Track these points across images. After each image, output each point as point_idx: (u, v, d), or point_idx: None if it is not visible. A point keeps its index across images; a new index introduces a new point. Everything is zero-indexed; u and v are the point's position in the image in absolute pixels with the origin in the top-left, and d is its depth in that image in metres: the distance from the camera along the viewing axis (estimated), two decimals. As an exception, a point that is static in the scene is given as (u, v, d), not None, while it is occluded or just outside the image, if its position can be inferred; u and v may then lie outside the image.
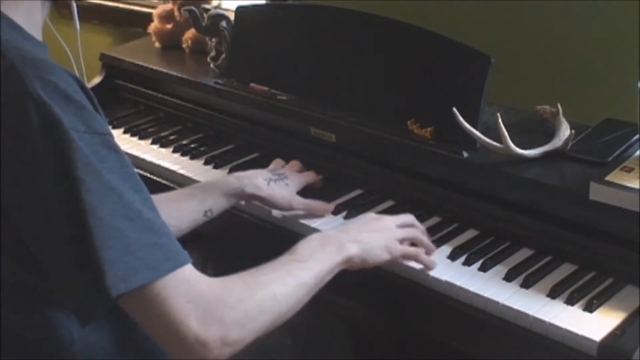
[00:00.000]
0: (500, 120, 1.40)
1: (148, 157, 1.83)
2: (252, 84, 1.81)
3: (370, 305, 1.56)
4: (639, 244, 1.25)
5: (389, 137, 1.56)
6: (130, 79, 2.10)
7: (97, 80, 2.13)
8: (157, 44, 2.18)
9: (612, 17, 1.77)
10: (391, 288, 1.38)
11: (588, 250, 1.32)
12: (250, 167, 1.62)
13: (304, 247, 1.23)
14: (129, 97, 2.12)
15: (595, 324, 1.19)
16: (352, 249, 1.25)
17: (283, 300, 1.14)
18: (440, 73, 1.53)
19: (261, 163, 1.68)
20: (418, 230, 1.38)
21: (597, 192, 1.29)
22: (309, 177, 1.61)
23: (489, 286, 1.29)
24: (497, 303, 1.26)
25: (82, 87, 1.07)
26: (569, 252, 1.34)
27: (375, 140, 1.58)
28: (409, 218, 1.39)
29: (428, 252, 1.37)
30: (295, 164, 1.64)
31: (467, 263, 1.36)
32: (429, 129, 1.51)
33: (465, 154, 1.46)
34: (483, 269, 1.34)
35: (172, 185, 1.70)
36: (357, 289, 1.46)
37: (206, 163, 1.77)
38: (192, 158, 1.80)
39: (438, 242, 1.41)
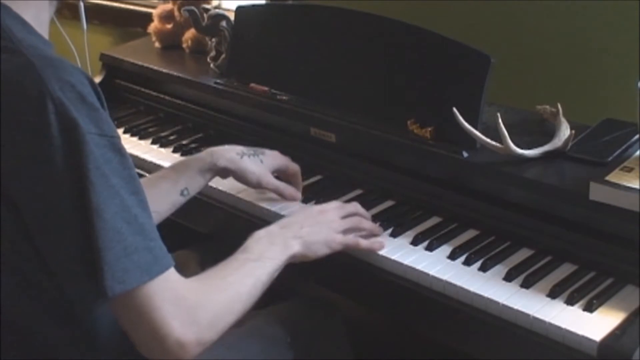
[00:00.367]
0: (500, 120, 1.40)
1: (148, 157, 1.83)
2: (252, 84, 1.81)
3: (370, 305, 1.56)
4: (639, 244, 1.25)
5: (389, 137, 1.56)
6: (130, 79, 2.10)
7: (97, 80, 2.12)
8: (157, 44, 2.18)
9: (612, 17, 1.77)
10: (391, 288, 1.38)
11: (588, 250, 1.32)
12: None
13: (254, 245, 1.27)
14: (129, 97, 2.12)
15: (595, 324, 1.19)
16: (295, 247, 1.30)
17: (246, 300, 1.19)
18: (440, 73, 1.53)
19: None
20: (358, 218, 1.42)
21: (597, 192, 1.29)
22: (293, 166, 1.59)
23: (489, 286, 1.29)
24: (497, 303, 1.26)
25: (93, 86, 1.10)
26: (569, 252, 1.34)
27: (375, 140, 1.58)
28: (352, 207, 1.43)
29: (375, 235, 1.42)
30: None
31: (467, 263, 1.36)
32: (429, 129, 1.51)
33: (465, 154, 1.46)
34: (483, 269, 1.34)
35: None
36: (357, 289, 1.46)
37: (206, 163, 1.77)
38: (192, 158, 1.80)
39: (438, 242, 1.41)
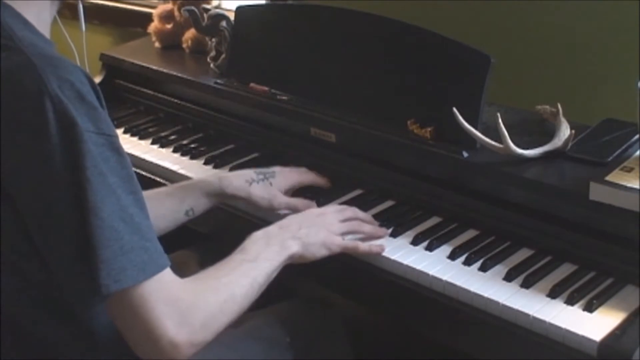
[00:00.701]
0: (500, 120, 1.40)
1: (148, 157, 1.83)
2: (252, 84, 1.81)
3: (370, 305, 1.56)
4: (639, 244, 1.25)
5: (389, 137, 1.56)
6: (130, 79, 2.10)
7: (97, 80, 2.12)
8: (157, 44, 2.18)
9: (612, 17, 1.77)
10: (391, 288, 1.38)
11: (588, 250, 1.32)
12: (250, 167, 1.62)
13: (251, 246, 1.27)
14: (129, 97, 2.12)
15: (595, 324, 1.19)
16: (293, 247, 1.30)
17: (241, 301, 1.19)
18: (440, 73, 1.53)
19: (261, 163, 1.68)
20: (358, 222, 1.41)
21: (597, 192, 1.29)
22: (306, 177, 1.60)
23: (489, 286, 1.29)
24: (497, 303, 1.26)
25: (92, 85, 1.10)
26: (569, 252, 1.34)
27: (375, 140, 1.58)
28: (350, 212, 1.42)
29: (377, 238, 1.41)
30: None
31: (467, 263, 1.36)
32: (429, 129, 1.51)
33: (465, 154, 1.46)
34: (483, 269, 1.34)
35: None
36: (357, 289, 1.46)
37: (206, 163, 1.77)
38: (192, 158, 1.80)
39: (438, 242, 1.41)
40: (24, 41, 1.08)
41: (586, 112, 1.63)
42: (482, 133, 1.44)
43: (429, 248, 1.40)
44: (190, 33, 2.10)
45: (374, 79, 1.63)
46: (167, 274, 1.12)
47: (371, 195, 1.59)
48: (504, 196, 1.42)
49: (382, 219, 1.49)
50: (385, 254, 1.39)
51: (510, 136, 1.41)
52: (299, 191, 1.58)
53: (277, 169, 1.56)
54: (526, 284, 1.29)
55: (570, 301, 1.24)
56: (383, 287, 1.40)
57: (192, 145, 1.86)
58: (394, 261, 1.38)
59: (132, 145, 1.89)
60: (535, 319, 1.22)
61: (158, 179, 1.75)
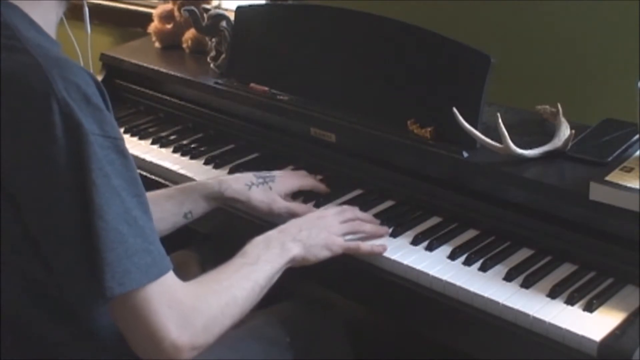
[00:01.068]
0: (500, 120, 1.40)
1: (148, 157, 1.83)
2: (252, 84, 1.81)
3: (370, 305, 1.56)
4: (639, 244, 1.25)
5: (389, 137, 1.56)
6: (130, 79, 2.10)
7: (97, 80, 2.13)
8: (157, 44, 2.18)
9: (612, 17, 1.77)
10: (391, 288, 1.38)
11: (588, 250, 1.32)
12: (250, 167, 1.62)
13: (252, 249, 1.27)
14: (129, 97, 2.12)
15: (595, 324, 1.19)
16: (294, 250, 1.30)
17: (242, 303, 1.19)
18: (440, 73, 1.53)
19: (261, 163, 1.69)
20: (358, 222, 1.41)
21: (597, 192, 1.29)
22: (306, 182, 1.59)
23: (489, 286, 1.29)
24: (497, 303, 1.26)
25: (98, 87, 1.10)
26: (569, 252, 1.34)
27: (375, 140, 1.58)
28: (350, 213, 1.43)
29: (378, 237, 1.42)
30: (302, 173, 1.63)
31: (467, 263, 1.36)
32: (429, 129, 1.51)
33: (465, 154, 1.46)
34: (483, 269, 1.34)
35: (172, 185, 1.69)
36: (357, 289, 1.46)
37: (206, 163, 1.77)
38: (192, 158, 1.80)
39: (438, 242, 1.41)
40: (31, 42, 1.08)
41: (586, 112, 1.63)
42: (482, 133, 1.44)
43: (429, 248, 1.40)
44: (190, 33, 2.10)
45: (374, 79, 1.63)
46: (170, 277, 1.12)
47: (371, 195, 1.59)
48: (504, 196, 1.42)
49: (382, 219, 1.49)
50: (385, 254, 1.39)
51: (510, 136, 1.41)
52: (298, 193, 1.58)
53: (277, 173, 1.56)
54: (526, 284, 1.29)
55: (570, 301, 1.24)
56: (383, 287, 1.40)
57: (192, 145, 1.86)
58: (394, 261, 1.38)
59: (132, 145, 1.88)
60: (535, 319, 1.22)
61: (158, 179, 1.76)
